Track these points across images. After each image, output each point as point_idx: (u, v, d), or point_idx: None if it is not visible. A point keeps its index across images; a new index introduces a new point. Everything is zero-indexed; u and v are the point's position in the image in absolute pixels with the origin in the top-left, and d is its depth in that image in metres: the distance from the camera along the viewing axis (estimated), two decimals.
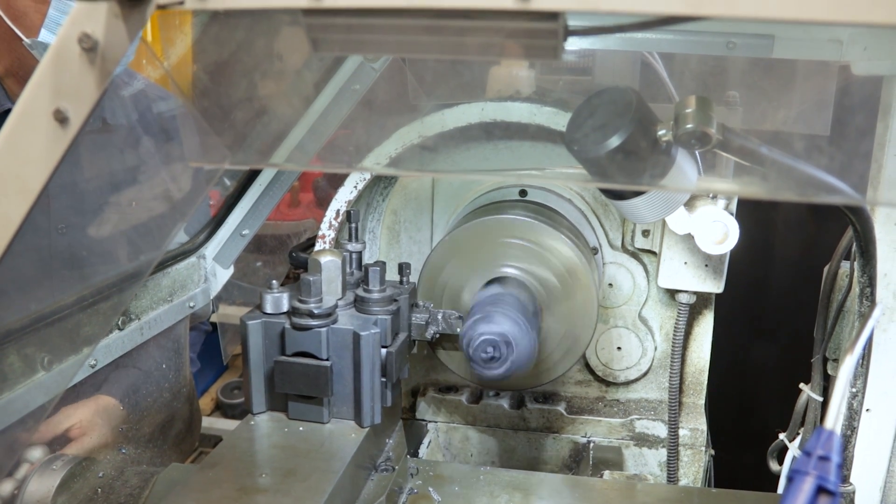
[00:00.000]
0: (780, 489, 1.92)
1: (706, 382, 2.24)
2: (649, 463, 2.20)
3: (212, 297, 2.26)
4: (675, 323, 2.09)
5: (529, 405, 2.23)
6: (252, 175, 2.18)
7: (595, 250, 2.08)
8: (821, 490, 0.90)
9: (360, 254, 1.72)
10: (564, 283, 1.84)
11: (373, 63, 2.00)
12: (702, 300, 2.15)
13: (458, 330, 1.66)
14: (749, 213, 1.92)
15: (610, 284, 2.19)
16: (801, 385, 1.84)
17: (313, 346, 1.45)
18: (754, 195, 2.15)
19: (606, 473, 1.91)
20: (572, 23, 0.84)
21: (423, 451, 2.23)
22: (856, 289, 1.62)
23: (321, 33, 0.87)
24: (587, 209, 2.15)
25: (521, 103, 1.98)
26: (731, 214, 1.76)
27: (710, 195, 1.75)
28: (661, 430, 2.17)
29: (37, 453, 1.66)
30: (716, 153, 1.36)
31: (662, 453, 2.18)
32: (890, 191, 1.53)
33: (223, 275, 2.27)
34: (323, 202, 4.45)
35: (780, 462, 1.94)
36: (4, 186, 0.92)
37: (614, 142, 1.32)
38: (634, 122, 1.32)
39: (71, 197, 2.10)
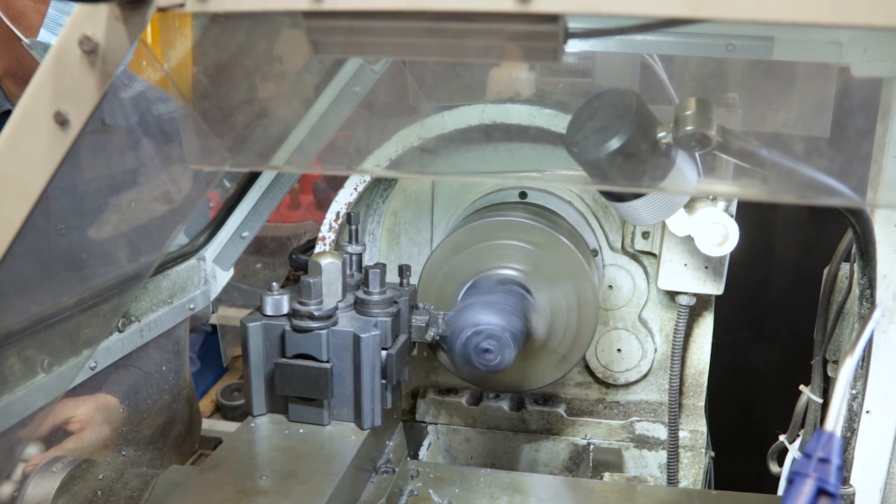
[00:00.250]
0: (781, 491, 1.92)
1: (706, 384, 2.24)
2: (649, 465, 2.20)
3: (212, 299, 2.26)
4: (675, 325, 2.09)
5: (529, 407, 2.23)
6: (252, 177, 2.18)
7: (595, 252, 2.08)
8: (821, 492, 0.90)
9: (360, 256, 1.72)
10: (564, 285, 1.84)
11: (373, 65, 2.00)
12: (702, 302, 2.15)
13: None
14: (749, 214, 1.92)
15: (610, 286, 2.19)
16: (801, 387, 1.84)
17: (313, 349, 1.45)
18: (754, 197, 2.15)
19: (606, 475, 1.91)
20: (572, 25, 0.84)
21: (423, 453, 2.23)
22: (856, 290, 1.62)
23: (321, 36, 0.87)
24: (587, 211, 2.15)
25: (520, 105, 1.98)
26: (731, 216, 1.77)
27: (710, 197, 1.75)
28: (661, 432, 2.17)
29: (31, 450, 1.66)
30: (715, 155, 1.36)
31: (662, 455, 2.18)
32: (890, 193, 1.53)
33: (223, 277, 2.27)
34: (323, 204, 4.44)
35: (781, 464, 1.94)
36: (5, 188, 0.92)
37: (614, 144, 1.32)
38: (634, 125, 1.32)
39: (70, 198, 2.10)
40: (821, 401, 1.79)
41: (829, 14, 0.69)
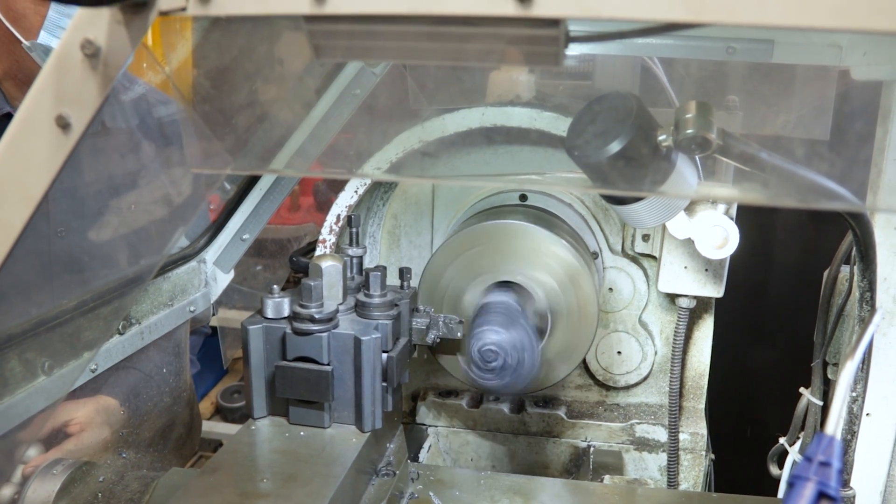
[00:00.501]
0: (781, 493, 1.92)
1: (706, 387, 2.24)
2: (649, 467, 2.20)
3: (212, 302, 2.26)
4: (676, 327, 2.09)
5: (529, 409, 2.23)
6: (252, 179, 2.18)
7: (595, 255, 2.08)
8: (822, 496, 0.90)
9: (360, 258, 1.72)
10: (565, 287, 1.84)
11: (373, 68, 2.00)
12: (702, 304, 2.15)
13: (459, 334, 1.66)
14: (749, 217, 1.92)
15: (610, 289, 2.20)
16: (802, 389, 1.84)
17: (314, 351, 1.45)
18: (754, 201, 2.16)
19: (607, 478, 1.91)
20: (573, 29, 0.84)
21: (423, 455, 2.23)
22: (856, 293, 1.62)
23: (323, 40, 0.88)
24: (587, 214, 2.15)
25: (521, 108, 1.98)
26: (731, 219, 1.77)
27: (710, 200, 1.75)
28: (661, 435, 2.17)
29: (31, 452, 1.66)
30: (716, 158, 1.36)
31: (663, 457, 2.18)
32: (890, 196, 1.53)
33: (223, 279, 2.27)
34: (323, 206, 4.45)
35: (781, 466, 1.94)
36: (6, 192, 0.92)
37: (615, 147, 1.32)
38: (635, 128, 1.32)
39: (70, 201, 2.10)
40: (821, 403, 1.79)
41: (830, 18, 0.69)
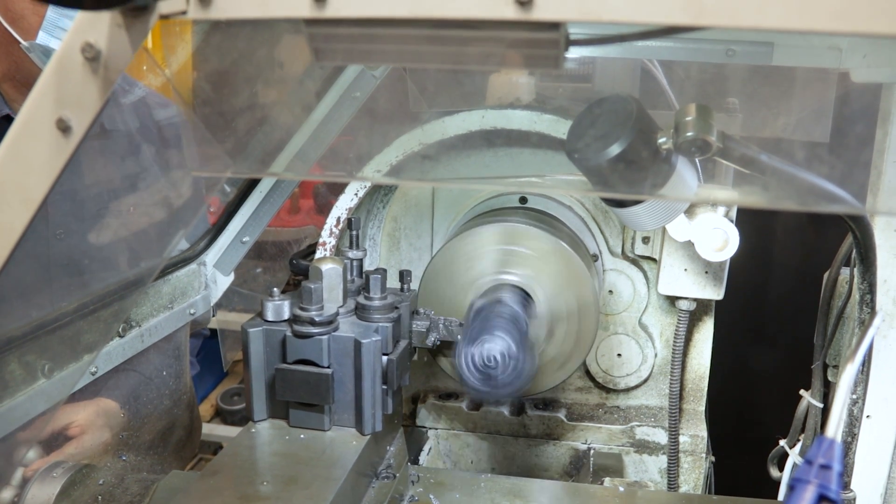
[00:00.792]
0: (781, 496, 1.92)
1: (706, 389, 2.24)
2: (650, 470, 2.20)
3: (212, 304, 2.26)
4: (676, 330, 2.09)
5: (529, 412, 2.23)
6: (252, 182, 2.18)
7: (595, 257, 2.08)
8: (822, 498, 0.90)
9: (361, 261, 1.72)
10: (565, 290, 1.84)
11: (373, 71, 2.00)
12: (702, 307, 2.15)
13: (459, 337, 1.66)
14: (749, 220, 1.92)
15: (610, 291, 2.20)
16: (802, 391, 1.84)
17: (314, 354, 1.45)
18: (755, 204, 2.16)
19: (607, 480, 1.90)
20: (573, 32, 0.85)
21: (423, 458, 2.23)
22: (856, 295, 1.62)
23: (323, 43, 0.88)
24: (587, 216, 2.15)
25: (521, 111, 1.98)
26: (731, 221, 1.77)
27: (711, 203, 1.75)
28: (661, 437, 2.17)
29: (31, 455, 1.66)
30: (716, 161, 1.36)
31: (663, 460, 2.18)
32: (890, 198, 1.53)
33: (224, 282, 2.27)
34: (323, 209, 4.45)
35: (781, 469, 1.94)
36: (7, 195, 0.92)
37: (615, 150, 1.32)
38: (635, 131, 1.32)
39: (69, 203, 2.10)
40: (821, 405, 1.80)
41: (830, 21, 0.69)
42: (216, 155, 1.31)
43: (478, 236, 1.87)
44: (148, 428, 2.23)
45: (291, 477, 1.35)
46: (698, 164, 1.47)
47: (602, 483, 1.90)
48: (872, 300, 1.56)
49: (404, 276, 1.67)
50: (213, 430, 4.12)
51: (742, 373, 3.44)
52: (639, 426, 2.19)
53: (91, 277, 2.15)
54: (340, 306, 1.56)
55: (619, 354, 2.22)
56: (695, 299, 2.04)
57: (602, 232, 2.17)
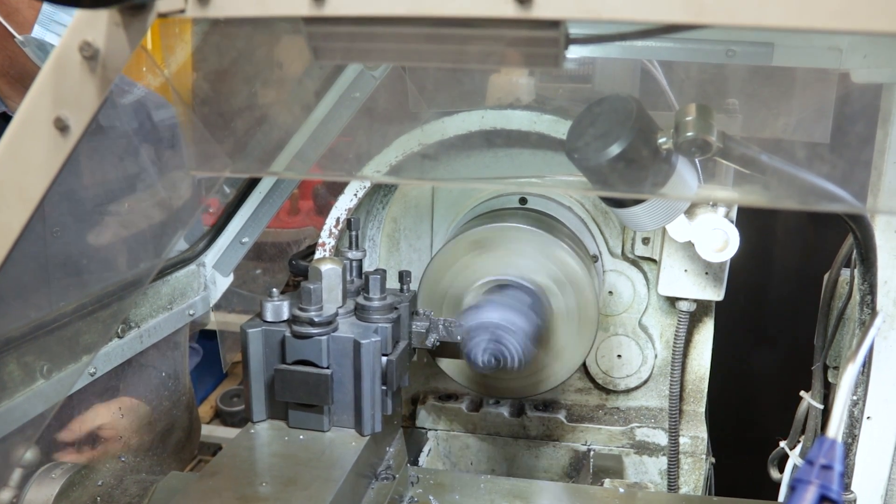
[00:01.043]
0: (781, 497, 1.92)
1: (706, 390, 2.23)
2: (650, 471, 2.20)
3: (211, 305, 2.26)
4: (676, 331, 2.09)
5: (529, 413, 2.23)
6: (252, 182, 2.18)
7: (595, 258, 2.08)
8: (824, 499, 0.90)
9: (360, 262, 1.71)
10: (564, 291, 1.84)
11: (373, 71, 2.00)
12: (702, 308, 2.15)
13: (459, 337, 1.66)
14: (749, 220, 1.92)
15: (610, 292, 2.19)
16: (802, 393, 1.84)
17: (314, 355, 1.45)
18: (755, 204, 2.16)
19: (607, 481, 1.90)
20: (573, 31, 0.84)
21: (423, 459, 2.23)
22: (856, 296, 1.62)
23: (322, 42, 0.87)
24: (587, 217, 2.15)
25: (521, 111, 1.98)
26: (732, 222, 1.76)
27: (711, 203, 1.75)
28: (661, 438, 2.17)
29: (28, 455, 1.66)
30: (716, 161, 1.36)
31: (663, 461, 2.17)
32: (890, 198, 1.53)
33: (223, 283, 2.27)
34: (322, 210, 4.44)
35: (781, 470, 1.93)
36: (4, 195, 0.92)
37: (615, 150, 1.32)
38: (635, 131, 1.32)
39: (65, 201, 2.09)
40: (821, 407, 1.79)
41: (830, 20, 0.69)
42: (215, 154, 1.30)
43: (477, 237, 1.87)
44: (147, 429, 2.23)
45: (291, 478, 1.35)
46: (698, 164, 1.47)
47: (602, 484, 1.89)
48: (873, 301, 1.55)
49: (404, 276, 1.67)
50: (213, 431, 4.11)
51: (742, 374, 3.44)
52: (639, 427, 2.18)
53: (88, 276, 2.14)
54: (340, 307, 1.56)
55: (619, 355, 2.21)
56: (695, 300, 2.04)
57: (602, 233, 2.16)
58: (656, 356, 2.22)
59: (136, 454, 2.10)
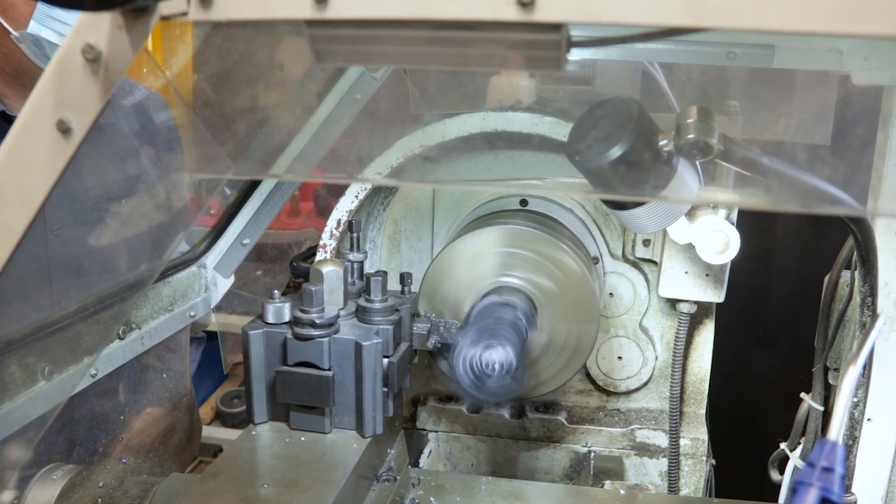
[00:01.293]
0: (782, 499, 1.92)
1: (707, 392, 2.23)
2: (650, 472, 2.19)
3: (212, 307, 2.26)
4: (676, 332, 2.09)
5: (530, 415, 2.23)
6: (253, 184, 2.18)
7: (596, 260, 2.08)
8: (825, 501, 0.90)
9: (361, 263, 1.72)
10: (565, 292, 1.84)
11: (374, 73, 2.00)
12: (702, 310, 2.15)
13: (459, 339, 1.66)
14: (750, 222, 1.92)
15: (611, 294, 2.19)
16: (802, 395, 1.84)
17: (315, 356, 1.45)
18: (756, 206, 2.16)
19: (607, 483, 1.90)
20: (575, 33, 0.84)
21: (423, 460, 2.23)
22: (856, 298, 1.62)
23: (324, 44, 0.87)
24: (588, 219, 2.15)
25: (522, 113, 1.98)
26: (732, 224, 1.77)
27: (711, 205, 1.75)
28: (661, 440, 2.17)
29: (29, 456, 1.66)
30: (717, 163, 1.36)
31: (663, 463, 2.17)
32: (891, 201, 1.53)
33: (224, 284, 2.27)
34: (323, 211, 4.45)
35: (781, 472, 1.93)
36: (7, 197, 0.92)
37: (616, 152, 1.32)
38: (636, 133, 1.32)
39: (67, 201, 2.09)
40: (822, 409, 1.79)
41: (831, 23, 0.69)
42: (217, 156, 1.30)
43: (478, 239, 1.87)
44: (148, 430, 2.23)
45: (292, 479, 1.35)
46: (699, 166, 1.47)
47: (602, 486, 1.90)
48: (873, 303, 1.55)
49: (405, 278, 1.67)
50: (213, 432, 4.12)
51: (743, 376, 3.44)
52: (639, 429, 2.18)
53: (89, 275, 2.14)
54: (341, 308, 1.56)
55: (620, 357, 2.21)
56: (695, 302, 2.04)
57: (603, 234, 2.16)
58: (657, 358, 2.22)
59: (136, 455, 2.10)
